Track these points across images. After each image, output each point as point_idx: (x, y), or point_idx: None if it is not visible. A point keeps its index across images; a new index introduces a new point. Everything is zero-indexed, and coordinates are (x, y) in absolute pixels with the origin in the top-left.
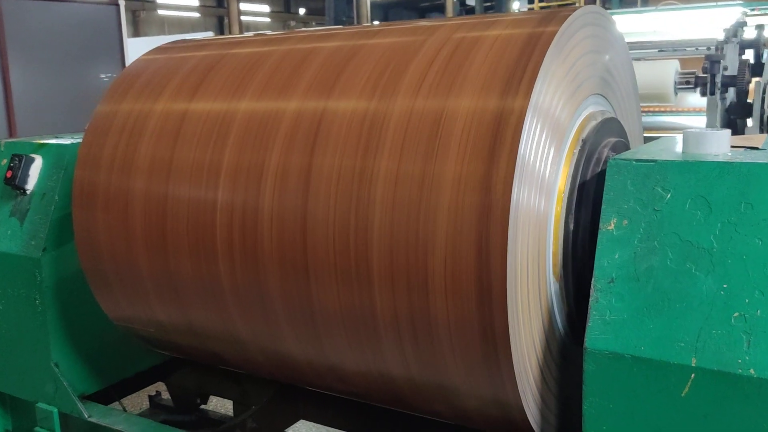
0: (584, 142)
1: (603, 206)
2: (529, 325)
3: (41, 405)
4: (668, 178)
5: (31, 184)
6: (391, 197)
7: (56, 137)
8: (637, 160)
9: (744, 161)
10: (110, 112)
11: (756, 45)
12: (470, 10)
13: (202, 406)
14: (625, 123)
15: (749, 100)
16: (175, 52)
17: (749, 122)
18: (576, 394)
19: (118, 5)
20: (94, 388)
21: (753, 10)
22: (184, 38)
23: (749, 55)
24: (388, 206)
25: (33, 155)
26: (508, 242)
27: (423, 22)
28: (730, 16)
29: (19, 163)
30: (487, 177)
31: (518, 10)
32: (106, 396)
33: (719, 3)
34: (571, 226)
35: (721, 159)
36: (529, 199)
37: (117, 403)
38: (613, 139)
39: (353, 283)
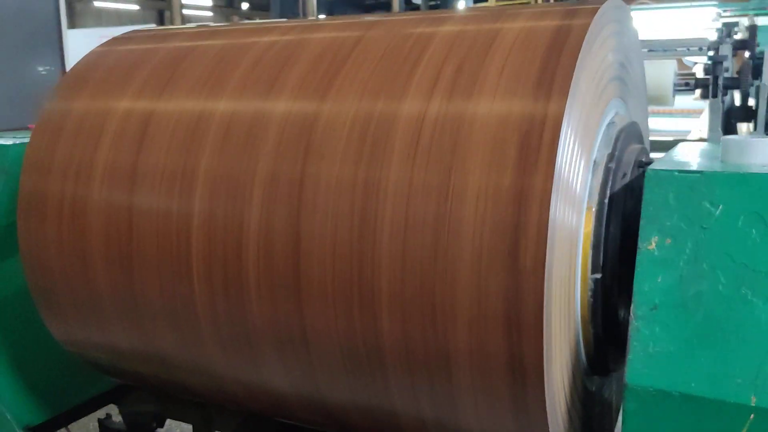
0: (612, 149)
1: (642, 223)
2: (559, 357)
3: None
4: (717, 191)
5: None
6: (403, 212)
7: None
8: (680, 171)
9: None
10: (62, 110)
11: (751, 46)
12: (415, 8)
13: (158, 431)
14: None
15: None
16: (136, 43)
17: (744, 126)
18: (595, 423)
19: None
20: (41, 419)
21: (725, 11)
22: (142, 28)
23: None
24: (399, 222)
25: None
26: (546, 263)
27: (428, 13)
28: (702, 17)
29: None
30: (518, 190)
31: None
32: (54, 420)
33: (693, 3)
34: (601, 244)
35: None
36: (564, 214)
37: (64, 429)
38: (637, 146)
39: (355, 311)
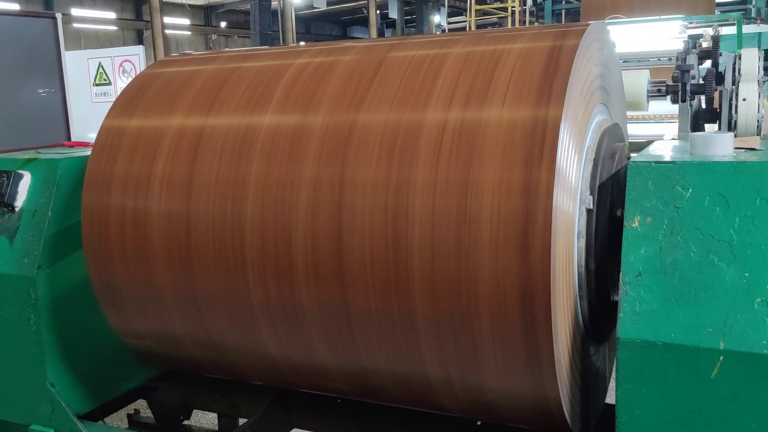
0: (598, 147)
1: (626, 205)
2: (564, 321)
3: (35, 427)
4: (687, 177)
5: (20, 201)
6: (431, 205)
7: (38, 152)
8: (657, 162)
9: (758, 161)
10: (118, 127)
11: (714, 56)
12: (391, 23)
13: (185, 422)
14: None
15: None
16: (180, 66)
17: (708, 127)
18: (593, 383)
19: (55, 18)
20: (88, 407)
21: (691, 23)
22: (186, 52)
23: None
24: (427, 215)
25: (21, 171)
26: (551, 243)
27: (441, 36)
28: (668, 29)
29: (8, 180)
30: (526, 183)
31: (439, 23)
32: (91, 414)
33: (662, 17)
34: (593, 226)
35: (735, 159)
36: (563, 202)
37: (101, 422)
38: (620, 144)
39: (392, 293)
